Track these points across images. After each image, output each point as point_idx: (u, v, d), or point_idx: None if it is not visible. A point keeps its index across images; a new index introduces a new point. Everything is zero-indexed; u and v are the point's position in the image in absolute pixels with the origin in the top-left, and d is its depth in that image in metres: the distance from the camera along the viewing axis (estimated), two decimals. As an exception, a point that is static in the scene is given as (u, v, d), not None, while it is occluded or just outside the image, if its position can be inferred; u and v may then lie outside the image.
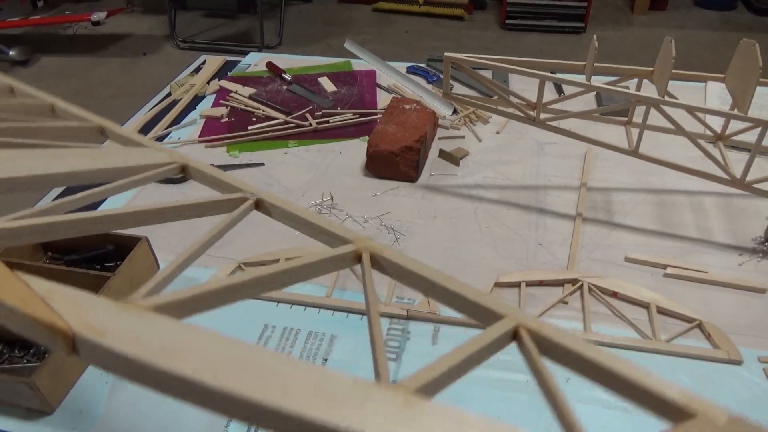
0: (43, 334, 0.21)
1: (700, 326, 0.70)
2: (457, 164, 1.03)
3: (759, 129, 0.75)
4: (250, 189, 0.41)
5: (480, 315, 0.29)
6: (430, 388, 0.24)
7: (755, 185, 0.79)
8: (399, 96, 1.22)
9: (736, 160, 0.88)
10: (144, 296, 0.25)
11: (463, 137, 1.11)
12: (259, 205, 0.40)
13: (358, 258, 0.34)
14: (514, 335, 0.28)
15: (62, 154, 0.38)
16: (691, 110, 0.77)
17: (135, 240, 0.75)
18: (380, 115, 1.10)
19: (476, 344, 0.26)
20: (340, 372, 0.21)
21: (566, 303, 0.75)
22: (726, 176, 0.80)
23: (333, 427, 0.18)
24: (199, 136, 1.11)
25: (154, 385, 0.20)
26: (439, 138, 1.10)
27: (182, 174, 0.44)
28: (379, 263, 0.34)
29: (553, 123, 0.87)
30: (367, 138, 1.01)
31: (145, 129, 1.14)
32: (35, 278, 0.23)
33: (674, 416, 0.24)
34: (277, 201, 0.40)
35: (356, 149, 1.07)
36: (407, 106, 1.07)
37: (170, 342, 0.21)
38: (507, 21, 3.30)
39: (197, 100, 1.24)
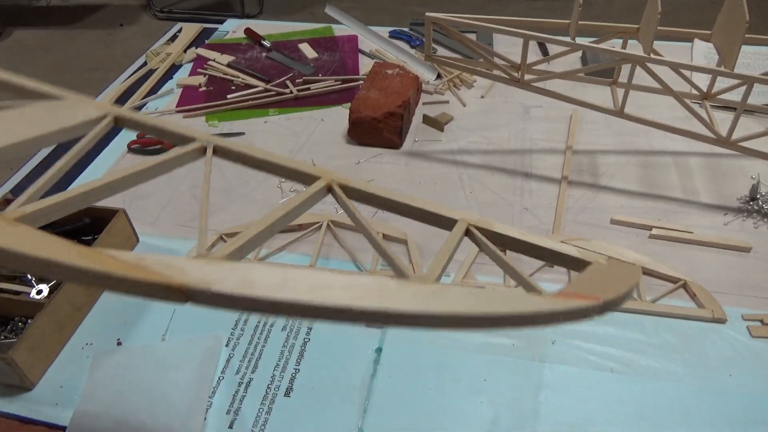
0: (160, 292, 0.28)
1: (684, 286, 0.70)
2: (442, 130, 1.01)
3: (745, 87, 0.74)
4: (203, 137, 0.44)
5: (434, 220, 0.41)
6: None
7: (741, 143, 0.78)
8: (381, 61, 1.19)
9: (722, 120, 0.87)
10: (204, 251, 0.33)
11: (447, 102, 1.08)
12: (216, 151, 0.44)
13: (329, 190, 0.41)
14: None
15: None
16: (676, 68, 0.76)
17: (112, 213, 0.74)
18: (362, 81, 1.07)
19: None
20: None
21: (552, 266, 0.74)
22: (712, 135, 0.79)
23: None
24: (177, 106, 1.08)
25: (257, 309, 0.28)
26: (423, 103, 1.08)
27: (117, 125, 0.47)
28: (348, 192, 0.41)
29: (539, 84, 0.85)
30: (349, 105, 0.99)
31: (120, 99, 1.11)
32: (119, 251, 0.29)
33: (578, 267, 0.37)
34: (235, 146, 0.43)
35: (338, 116, 1.05)
36: (390, 71, 1.05)
37: (247, 277, 0.29)
38: (493, -15, 3.24)
39: (174, 69, 1.20)
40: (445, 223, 0.40)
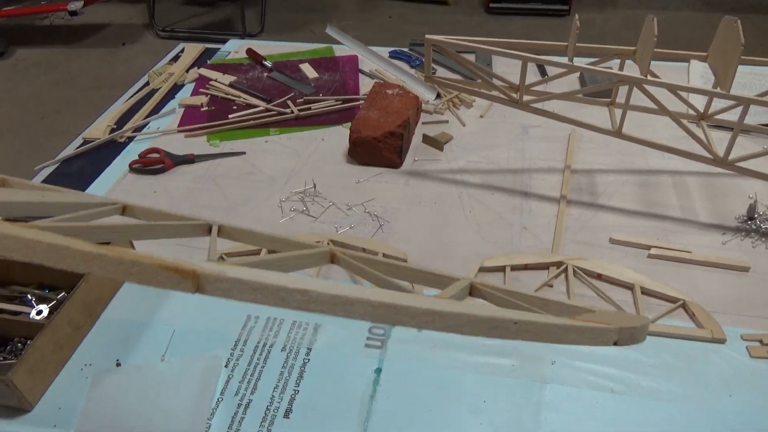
0: (172, 278, 0.29)
1: (684, 306, 0.70)
2: (441, 149, 1.02)
3: (741, 107, 0.75)
4: (204, 220, 0.46)
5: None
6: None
7: (738, 164, 0.79)
8: (381, 81, 1.20)
9: (719, 140, 0.87)
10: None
11: (446, 122, 1.09)
12: (221, 230, 0.46)
13: (333, 257, 0.44)
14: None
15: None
16: (673, 89, 0.77)
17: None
18: (363, 101, 1.08)
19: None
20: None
21: (551, 286, 0.74)
22: (709, 155, 0.80)
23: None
24: (179, 126, 1.09)
25: (271, 301, 0.29)
26: (423, 123, 1.09)
27: (123, 214, 0.50)
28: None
29: (537, 105, 0.86)
30: (349, 124, 1.00)
31: (122, 119, 1.12)
32: (118, 248, 0.30)
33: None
34: (237, 229, 0.46)
35: (339, 136, 1.06)
36: (390, 92, 1.06)
37: (260, 272, 0.30)
38: (491, 5, 3.28)
39: (176, 89, 1.21)
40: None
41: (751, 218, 0.82)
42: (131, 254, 0.29)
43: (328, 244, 0.80)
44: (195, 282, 0.29)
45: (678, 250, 0.78)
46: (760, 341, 0.66)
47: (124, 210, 0.50)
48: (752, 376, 0.62)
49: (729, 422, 0.58)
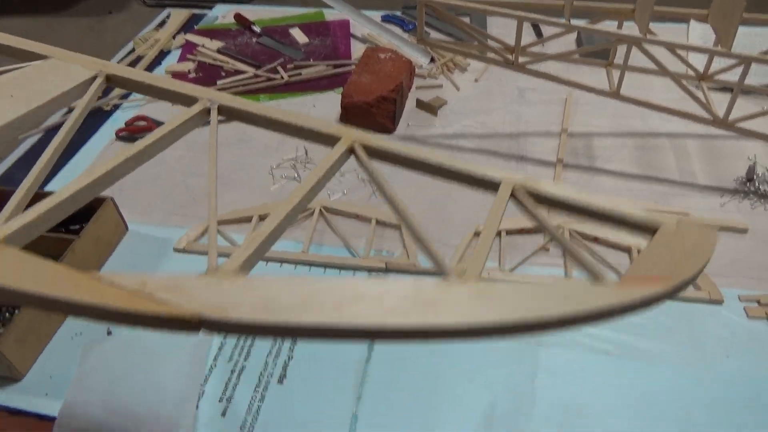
0: (169, 324, 0.24)
1: (681, 268, 0.69)
2: (435, 114, 1.00)
3: (742, 67, 0.73)
4: (206, 94, 0.41)
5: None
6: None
7: (738, 124, 0.77)
8: (374, 45, 1.17)
9: (719, 102, 0.86)
10: (214, 265, 0.29)
11: (440, 86, 1.07)
12: (222, 111, 0.41)
13: (351, 151, 0.37)
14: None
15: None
16: (673, 48, 0.75)
17: (99, 201, 0.72)
18: (354, 66, 1.05)
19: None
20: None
21: (548, 250, 0.73)
22: (709, 116, 0.78)
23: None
24: (166, 93, 1.06)
25: (280, 335, 0.26)
26: (417, 88, 1.07)
27: (109, 84, 0.44)
28: (371, 152, 0.37)
29: (533, 67, 0.84)
30: (341, 90, 0.97)
31: (108, 87, 1.08)
32: (119, 275, 0.26)
33: (645, 231, 0.31)
34: (242, 104, 0.40)
35: (331, 102, 1.03)
36: (382, 56, 1.03)
37: (266, 296, 0.25)
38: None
39: (162, 55, 1.18)
40: (485, 185, 0.35)
41: (749, 180, 0.81)
42: (120, 299, 0.25)
43: (320, 210, 0.79)
44: (197, 326, 0.25)
45: (676, 213, 0.77)
46: (758, 302, 0.65)
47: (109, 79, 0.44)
48: (749, 336, 0.62)
49: (726, 383, 0.58)
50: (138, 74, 0.43)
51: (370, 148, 0.36)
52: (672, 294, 0.27)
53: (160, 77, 0.44)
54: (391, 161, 0.37)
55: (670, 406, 0.56)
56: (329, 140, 0.38)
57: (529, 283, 0.27)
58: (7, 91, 0.39)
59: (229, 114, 0.41)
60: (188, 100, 0.41)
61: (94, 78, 0.42)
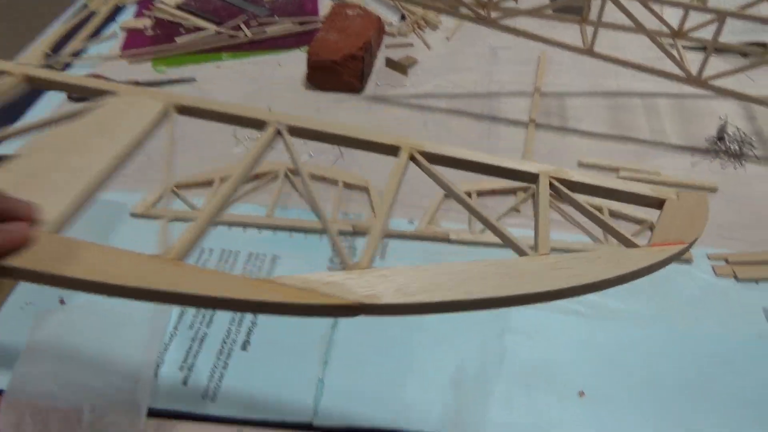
0: (338, 312, 0.32)
1: (651, 227, 0.69)
2: (405, 73, 0.96)
3: (716, 23, 0.71)
4: (272, 117, 0.43)
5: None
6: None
7: (711, 82, 0.76)
8: (341, 2, 1.12)
9: (694, 61, 0.84)
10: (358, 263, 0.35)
11: (411, 45, 1.03)
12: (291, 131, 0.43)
13: (412, 159, 0.42)
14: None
15: None
16: (646, 2, 0.73)
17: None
18: (321, 23, 1.01)
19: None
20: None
21: (519, 211, 0.72)
22: (682, 73, 0.77)
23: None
24: (122, 51, 1.00)
25: (416, 312, 0.32)
26: (386, 46, 1.03)
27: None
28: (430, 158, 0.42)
29: (507, 22, 0.81)
30: (307, 48, 0.93)
31: (59, 45, 1.02)
32: (279, 276, 0.34)
33: (655, 205, 0.39)
34: (305, 122, 0.43)
35: (296, 60, 0.99)
36: (350, 12, 0.99)
37: (401, 284, 0.32)
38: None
39: (117, 10, 1.11)
40: (524, 178, 0.42)
41: (720, 139, 0.80)
42: (295, 296, 0.32)
43: (285, 173, 0.76)
44: (358, 311, 0.31)
45: (647, 173, 0.76)
46: (726, 260, 0.65)
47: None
48: (717, 295, 0.62)
49: (695, 341, 0.58)
50: (207, 103, 0.47)
51: (428, 154, 0.42)
52: (685, 251, 0.35)
53: (228, 104, 0.46)
54: (446, 165, 0.42)
55: (639, 362, 0.56)
56: (391, 150, 0.43)
57: (583, 252, 0.34)
58: (100, 129, 0.43)
59: (299, 134, 0.44)
60: (257, 124, 0.44)
61: (165, 111, 0.46)
